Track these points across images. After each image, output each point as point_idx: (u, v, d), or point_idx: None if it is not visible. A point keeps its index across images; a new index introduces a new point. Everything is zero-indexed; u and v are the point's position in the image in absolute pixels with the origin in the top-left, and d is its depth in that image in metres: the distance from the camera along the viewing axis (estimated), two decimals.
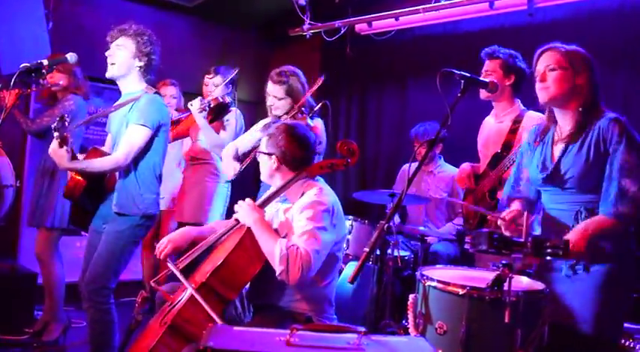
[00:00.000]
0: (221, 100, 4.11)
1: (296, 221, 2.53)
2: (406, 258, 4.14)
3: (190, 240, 2.83)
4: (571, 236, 2.27)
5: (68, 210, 3.97)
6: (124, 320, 3.33)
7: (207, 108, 4.06)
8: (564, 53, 2.45)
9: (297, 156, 2.67)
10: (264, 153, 2.72)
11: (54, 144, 3.00)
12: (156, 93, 3.36)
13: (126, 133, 3.21)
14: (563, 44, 2.49)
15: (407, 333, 3.65)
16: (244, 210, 2.60)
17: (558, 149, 2.50)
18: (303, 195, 2.64)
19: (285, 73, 3.67)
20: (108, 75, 3.30)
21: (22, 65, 3.08)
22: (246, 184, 4.58)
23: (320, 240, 2.47)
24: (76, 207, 3.45)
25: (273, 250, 2.42)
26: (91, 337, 3.25)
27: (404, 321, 3.87)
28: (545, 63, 2.47)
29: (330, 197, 2.63)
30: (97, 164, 3.17)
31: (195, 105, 4.07)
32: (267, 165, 2.72)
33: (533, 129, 2.70)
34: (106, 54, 3.26)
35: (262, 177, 2.80)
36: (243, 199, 2.70)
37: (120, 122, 3.32)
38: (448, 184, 4.62)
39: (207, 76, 4.49)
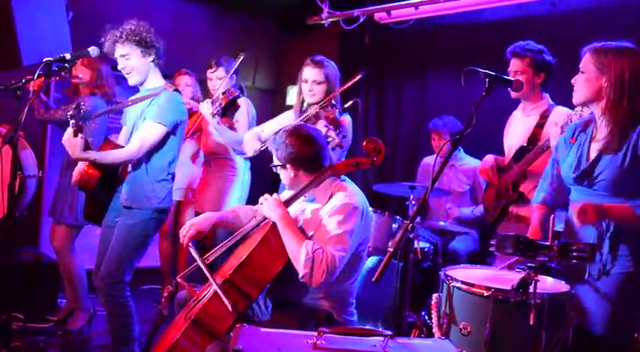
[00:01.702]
0: (231, 97, 4.10)
1: (326, 223, 2.52)
2: (426, 249, 4.15)
3: (212, 224, 2.85)
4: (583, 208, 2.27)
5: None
6: (143, 309, 3.37)
7: (219, 111, 4.06)
8: (594, 54, 2.43)
9: (307, 154, 2.63)
10: (279, 166, 2.70)
11: (68, 132, 3.02)
12: (175, 90, 3.37)
13: (142, 127, 3.23)
14: (607, 42, 2.46)
15: (425, 326, 3.69)
16: (269, 204, 2.59)
17: (594, 149, 2.47)
18: (332, 195, 2.63)
19: (322, 59, 3.66)
20: (131, 83, 3.33)
21: (45, 59, 3.12)
22: (265, 179, 4.60)
23: (348, 245, 2.47)
24: (89, 200, 3.47)
25: (299, 252, 2.42)
26: (111, 330, 3.31)
27: (423, 313, 3.89)
28: (580, 65, 2.49)
29: (360, 197, 2.62)
30: (110, 156, 3.20)
31: (206, 109, 4.04)
32: (285, 175, 2.70)
33: (571, 126, 2.66)
34: (119, 68, 3.29)
35: (287, 189, 2.79)
36: (262, 193, 2.71)
37: (137, 115, 3.33)
38: (470, 176, 4.61)
39: (209, 70, 4.41)
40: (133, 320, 3.30)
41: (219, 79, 4.34)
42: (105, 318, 3.35)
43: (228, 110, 4.18)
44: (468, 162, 4.63)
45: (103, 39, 3.26)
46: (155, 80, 3.35)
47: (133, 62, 3.25)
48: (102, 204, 3.41)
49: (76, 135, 3.01)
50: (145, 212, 3.25)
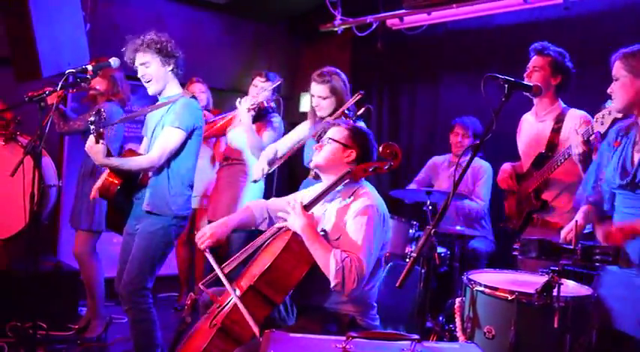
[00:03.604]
0: (266, 105, 4.18)
1: (350, 227, 2.56)
2: (442, 254, 4.16)
3: (231, 229, 2.88)
4: (614, 226, 2.27)
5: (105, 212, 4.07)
6: (162, 316, 3.41)
7: (255, 110, 4.12)
8: (624, 59, 2.44)
9: (367, 156, 2.73)
10: (342, 144, 2.74)
11: (90, 139, 3.08)
12: (192, 97, 3.43)
13: (161, 135, 3.29)
14: (634, 45, 2.47)
15: (443, 330, 3.70)
16: (294, 214, 2.60)
17: (638, 153, 2.46)
18: (353, 194, 2.67)
19: (327, 73, 3.72)
20: (151, 92, 3.38)
21: (67, 71, 3.18)
22: (279, 186, 4.62)
23: (373, 248, 2.52)
24: (112, 208, 3.52)
25: (328, 262, 2.44)
26: (134, 337, 3.34)
27: (440, 317, 3.90)
28: (612, 73, 2.48)
29: (380, 201, 2.67)
30: (132, 163, 3.26)
31: (245, 104, 4.12)
32: (338, 155, 2.72)
33: (614, 128, 2.64)
34: (139, 76, 3.35)
35: (318, 162, 2.78)
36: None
37: (156, 124, 3.39)
38: (472, 175, 4.59)
39: (259, 78, 4.48)
40: (156, 326, 3.34)
41: (264, 90, 4.39)
42: (127, 325, 3.39)
43: (258, 118, 4.23)
44: (476, 165, 4.56)
45: (124, 48, 3.32)
46: (173, 88, 3.41)
47: (153, 70, 3.31)
48: (123, 212, 3.46)
49: (97, 142, 3.06)
50: (165, 219, 3.29)
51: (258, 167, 3.81)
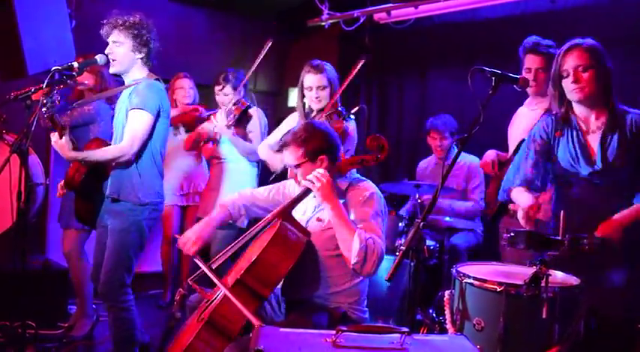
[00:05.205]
0: (243, 108, 4.17)
1: (359, 214, 2.60)
2: (432, 247, 4.17)
3: (214, 229, 2.88)
4: (604, 228, 2.31)
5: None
6: (149, 314, 3.38)
7: (233, 122, 4.14)
8: (589, 51, 2.50)
9: (336, 149, 2.71)
10: (306, 161, 2.68)
11: (54, 136, 3.05)
12: (157, 79, 3.37)
13: (128, 120, 3.22)
14: (582, 39, 2.55)
15: (433, 323, 3.72)
16: (327, 186, 2.56)
17: (594, 141, 2.53)
18: (349, 185, 2.71)
19: (320, 63, 3.66)
20: (111, 71, 3.33)
21: (53, 68, 3.15)
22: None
23: (382, 235, 2.58)
24: (79, 199, 3.45)
25: (351, 240, 2.47)
26: (114, 334, 3.32)
27: (430, 310, 3.92)
28: (575, 63, 2.51)
29: (377, 188, 2.74)
30: (100, 153, 3.20)
31: (222, 121, 4.16)
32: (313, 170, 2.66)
33: (549, 120, 2.70)
34: (106, 52, 3.27)
35: (308, 185, 2.65)
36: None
37: (120, 109, 3.34)
38: (464, 173, 4.61)
39: (216, 87, 4.47)
40: (135, 324, 3.31)
41: (225, 95, 4.41)
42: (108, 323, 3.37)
43: (240, 120, 4.23)
44: (462, 159, 4.52)
45: (104, 21, 3.28)
46: (139, 74, 3.34)
47: (121, 51, 3.25)
48: (92, 203, 3.39)
49: (61, 137, 3.04)
50: (135, 213, 3.22)
51: (274, 161, 3.76)
